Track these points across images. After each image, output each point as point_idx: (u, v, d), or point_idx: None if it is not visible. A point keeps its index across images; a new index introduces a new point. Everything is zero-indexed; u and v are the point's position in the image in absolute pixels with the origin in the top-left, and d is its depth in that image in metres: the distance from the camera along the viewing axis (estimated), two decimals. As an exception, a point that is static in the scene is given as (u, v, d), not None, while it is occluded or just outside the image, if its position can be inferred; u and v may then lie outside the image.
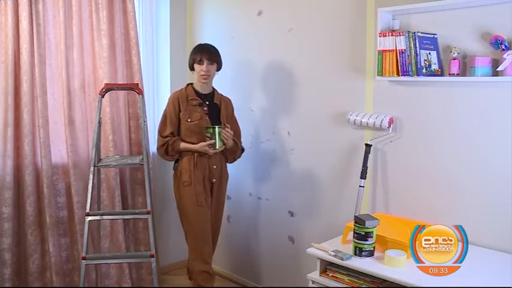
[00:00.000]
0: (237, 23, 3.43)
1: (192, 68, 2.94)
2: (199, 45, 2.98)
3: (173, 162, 2.96)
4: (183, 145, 2.85)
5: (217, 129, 2.79)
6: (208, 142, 2.78)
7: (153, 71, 3.56)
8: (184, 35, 3.73)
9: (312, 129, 2.98)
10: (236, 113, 3.07)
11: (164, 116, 2.92)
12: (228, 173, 3.04)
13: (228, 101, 3.03)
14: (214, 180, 2.92)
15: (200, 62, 2.86)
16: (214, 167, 2.91)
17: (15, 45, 2.90)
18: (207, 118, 2.88)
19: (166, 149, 2.86)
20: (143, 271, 3.45)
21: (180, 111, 2.87)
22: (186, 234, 2.95)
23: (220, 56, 2.95)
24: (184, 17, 3.74)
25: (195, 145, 2.82)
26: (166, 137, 2.86)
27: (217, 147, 2.81)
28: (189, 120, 2.85)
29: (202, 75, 2.86)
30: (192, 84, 2.96)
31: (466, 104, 2.27)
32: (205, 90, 2.94)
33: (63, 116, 3.08)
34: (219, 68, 2.96)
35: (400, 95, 2.50)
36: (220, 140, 2.82)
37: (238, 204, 3.52)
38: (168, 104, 2.93)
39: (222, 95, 3.03)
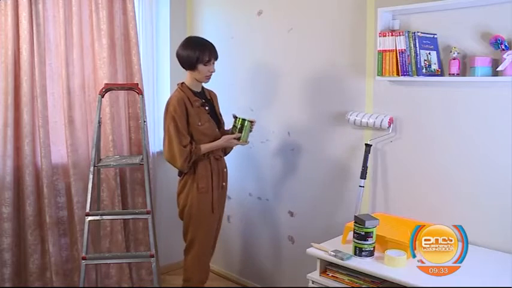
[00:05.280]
0: (237, 23, 3.42)
1: (192, 67, 2.63)
2: (202, 42, 2.68)
3: None
4: (204, 147, 2.61)
5: (247, 122, 2.67)
6: (236, 134, 2.66)
7: (153, 71, 3.56)
8: (184, 35, 3.69)
9: (312, 129, 2.97)
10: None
11: (176, 126, 2.56)
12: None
13: (215, 95, 2.87)
14: (224, 184, 2.80)
15: (208, 63, 2.63)
16: (225, 170, 2.80)
17: (15, 45, 2.90)
18: (210, 117, 2.70)
19: (190, 160, 2.58)
20: (143, 271, 3.45)
21: (188, 115, 2.60)
22: (192, 242, 2.71)
23: None
24: (184, 17, 3.74)
25: (218, 141, 2.64)
26: (186, 146, 2.57)
27: (245, 141, 2.69)
28: (199, 124, 2.62)
29: (209, 76, 2.68)
30: (184, 83, 2.70)
31: (466, 104, 2.27)
32: (198, 89, 2.73)
33: (63, 116, 3.09)
34: None
35: (400, 95, 2.50)
36: (248, 134, 2.70)
37: (238, 204, 3.52)
38: (174, 110, 2.57)
39: (207, 89, 2.85)
